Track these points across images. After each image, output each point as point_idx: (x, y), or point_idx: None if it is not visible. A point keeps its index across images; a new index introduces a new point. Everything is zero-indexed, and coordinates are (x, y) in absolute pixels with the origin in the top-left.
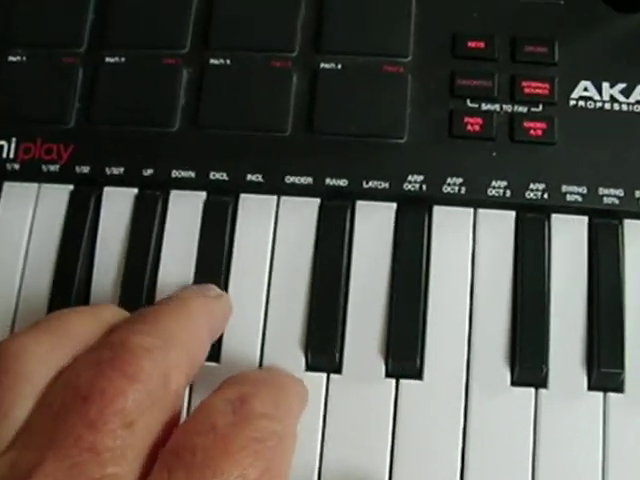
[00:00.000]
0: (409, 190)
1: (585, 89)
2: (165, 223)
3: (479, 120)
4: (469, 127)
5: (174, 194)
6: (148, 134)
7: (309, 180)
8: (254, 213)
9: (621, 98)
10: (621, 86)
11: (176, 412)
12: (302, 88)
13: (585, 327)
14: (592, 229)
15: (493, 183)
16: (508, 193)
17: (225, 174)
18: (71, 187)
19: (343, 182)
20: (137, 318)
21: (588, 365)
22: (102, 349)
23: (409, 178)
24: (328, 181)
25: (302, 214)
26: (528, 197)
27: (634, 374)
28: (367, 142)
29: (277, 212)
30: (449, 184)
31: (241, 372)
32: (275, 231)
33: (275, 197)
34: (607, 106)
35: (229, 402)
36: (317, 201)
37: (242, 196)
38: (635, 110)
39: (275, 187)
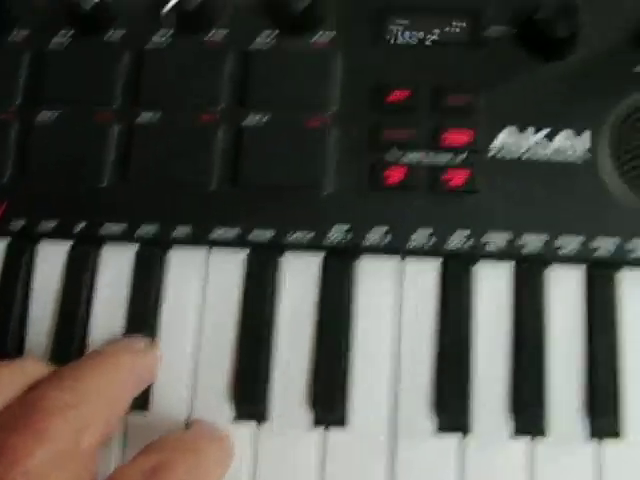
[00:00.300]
0: (334, 240)
1: (508, 136)
2: (97, 275)
3: (402, 170)
4: (392, 177)
5: (106, 247)
6: (80, 189)
7: (236, 232)
8: (183, 265)
9: (544, 144)
10: (543, 133)
11: (90, 470)
12: (228, 142)
13: (509, 372)
14: (517, 275)
15: (416, 232)
16: (432, 242)
17: (154, 228)
18: (6, 241)
19: (269, 234)
20: (57, 374)
21: (513, 409)
22: (18, 406)
23: (334, 229)
24: (255, 233)
25: (230, 266)
26: (451, 245)
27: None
28: (292, 194)
29: (206, 264)
30: (373, 234)
31: (161, 437)
32: (204, 283)
33: (204, 249)
34: (530, 153)
35: (142, 473)
36: (245, 252)
37: (171, 250)
38: (557, 156)
39: (203, 240)
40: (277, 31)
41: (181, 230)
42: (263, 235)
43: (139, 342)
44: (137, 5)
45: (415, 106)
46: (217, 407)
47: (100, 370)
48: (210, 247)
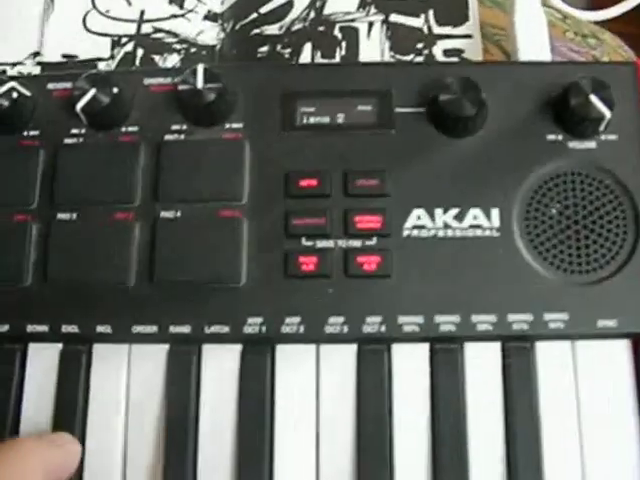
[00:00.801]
0: (249, 333)
1: (418, 217)
2: (25, 375)
3: (313, 259)
4: (304, 266)
5: (32, 347)
6: (1, 290)
7: (154, 329)
8: (107, 362)
9: (454, 224)
10: (453, 212)
11: None
12: (143, 238)
13: (430, 457)
14: (433, 356)
15: (330, 320)
16: (346, 329)
17: (76, 327)
18: None
19: (186, 329)
20: None
21: None
22: None
23: (249, 321)
24: (172, 329)
25: (151, 361)
26: (366, 331)
27: None
28: (207, 288)
29: (129, 360)
30: (288, 324)
31: None
32: (128, 378)
33: (126, 345)
34: (441, 233)
35: None
36: (166, 347)
37: (95, 346)
38: (468, 234)
39: (124, 337)
40: (187, 125)
41: (101, 329)
42: (181, 330)
43: (60, 437)
44: (50, 105)
45: (324, 193)
46: None
47: (8, 457)
48: (131, 344)
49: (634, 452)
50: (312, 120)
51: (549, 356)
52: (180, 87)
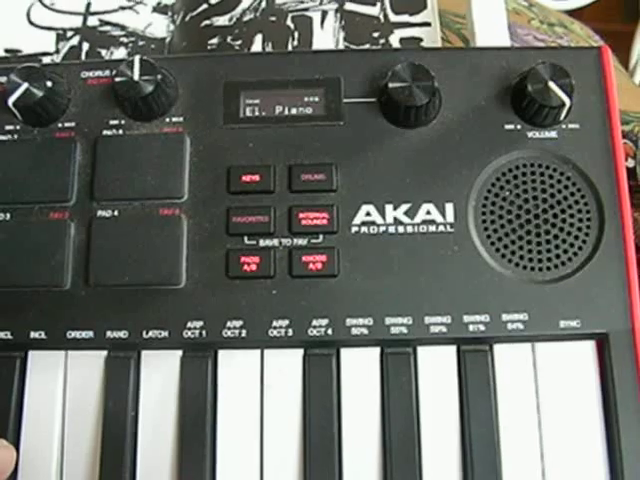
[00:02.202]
0: (189, 337)
1: (367, 214)
2: None
3: (256, 259)
4: (246, 266)
5: None
6: None
7: (90, 334)
8: (42, 368)
9: (405, 220)
10: (405, 207)
11: None
12: (79, 239)
13: (380, 461)
14: (383, 360)
15: (274, 323)
16: (290, 332)
17: (9, 333)
18: None
19: (123, 334)
20: None
21: None
22: None
23: (189, 325)
24: (109, 334)
25: (88, 367)
26: (311, 334)
27: None
28: (145, 291)
29: (65, 366)
30: (229, 328)
31: None
32: (65, 385)
33: (63, 352)
34: (391, 229)
35: None
36: (103, 354)
37: (30, 353)
38: (421, 231)
39: (59, 343)
40: (125, 119)
41: (35, 334)
42: (117, 335)
43: None
44: None
45: (267, 189)
46: None
47: None
48: (66, 350)
49: (600, 460)
50: (256, 112)
51: (508, 359)
52: (117, 79)
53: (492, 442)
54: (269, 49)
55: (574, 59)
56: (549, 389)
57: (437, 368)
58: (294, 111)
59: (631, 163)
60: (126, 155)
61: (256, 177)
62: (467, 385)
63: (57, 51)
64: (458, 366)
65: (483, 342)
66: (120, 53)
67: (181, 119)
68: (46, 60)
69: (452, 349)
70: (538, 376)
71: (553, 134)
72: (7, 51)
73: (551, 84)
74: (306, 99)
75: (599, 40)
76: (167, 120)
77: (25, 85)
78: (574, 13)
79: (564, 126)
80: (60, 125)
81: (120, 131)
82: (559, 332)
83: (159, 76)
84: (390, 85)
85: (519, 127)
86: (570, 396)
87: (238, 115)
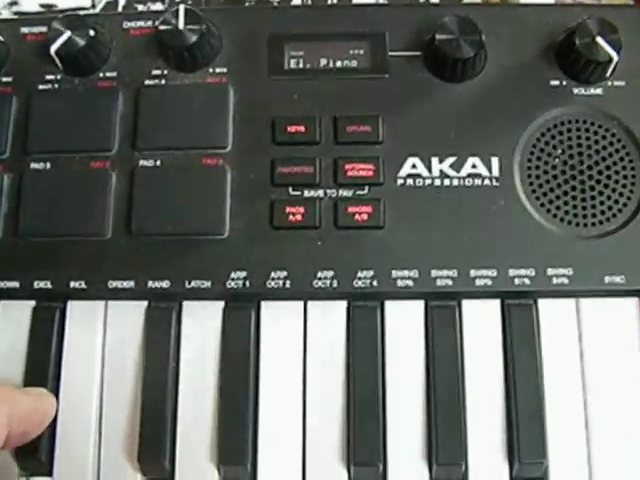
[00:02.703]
0: (232, 288)
1: (413, 166)
2: None
3: (301, 209)
4: (291, 217)
5: (2, 303)
6: None
7: (131, 284)
8: (81, 319)
9: (451, 173)
10: (451, 160)
11: None
12: (121, 189)
13: (424, 417)
14: (428, 314)
15: (319, 274)
16: (335, 284)
17: (49, 282)
18: None
19: (165, 284)
20: None
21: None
22: None
23: (232, 275)
24: (150, 284)
25: (129, 318)
26: (356, 286)
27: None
28: (188, 241)
29: (105, 317)
30: (273, 279)
31: None
32: (104, 336)
33: (103, 302)
34: (437, 182)
35: None
36: (144, 304)
37: (69, 303)
38: (466, 184)
39: (99, 293)
40: (168, 70)
41: (75, 284)
42: (160, 285)
43: (31, 388)
44: (24, 49)
45: (313, 140)
46: (124, 467)
47: None
48: (107, 300)
49: None
50: (301, 64)
51: (553, 314)
52: (161, 27)
53: (537, 396)
54: (308, 1)
55: (621, 17)
56: (592, 344)
57: (482, 322)
58: (339, 64)
59: None
60: (169, 105)
61: (301, 128)
62: (512, 339)
63: (93, 6)
64: (502, 320)
65: (528, 296)
66: (157, 8)
67: (225, 70)
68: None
69: (497, 303)
70: (582, 331)
71: (599, 91)
72: (42, 6)
73: (599, 39)
74: (351, 52)
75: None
76: (211, 71)
77: (68, 33)
78: None
79: (610, 83)
80: (102, 75)
81: (163, 81)
82: (603, 287)
83: (204, 26)
84: (438, 37)
85: (564, 83)
86: (613, 352)
87: (283, 67)
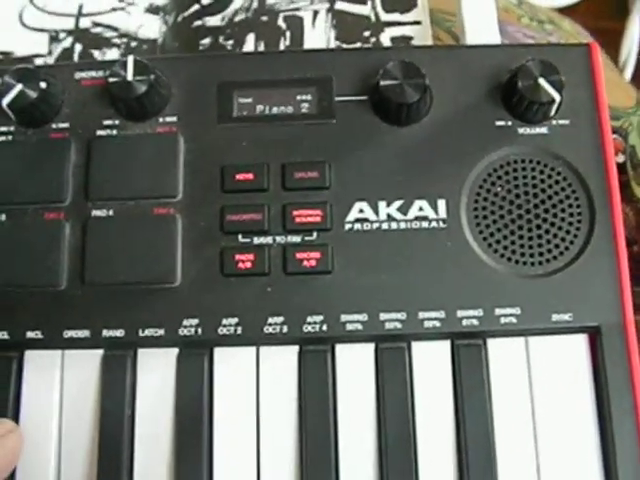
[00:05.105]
0: (185, 335)
1: (361, 211)
2: None
3: (250, 256)
4: (241, 264)
5: None
6: None
7: (86, 334)
8: (38, 368)
9: (398, 216)
10: (398, 203)
11: None
12: (75, 239)
13: (375, 460)
14: (378, 356)
15: (269, 320)
16: (285, 329)
17: (6, 333)
18: None
19: (120, 333)
20: None
21: None
22: None
23: (184, 323)
24: (105, 333)
25: (85, 367)
26: (306, 330)
27: None
28: (140, 290)
29: (62, 366)
30: (224, 325)
31: None
32: (61, 385)
33: (59, 352)
34: (384, 226)
35: None
36: (99, 353)
37: (26, 352)
38: (414, 227)
39: (55, 342)
40: (119, 120)
41: (32, 334)
42: (114, 334)
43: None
44: None
45: (261, 187)
46: None
47: None
48: (63, 349)
49: (593, 452)
50: (249, 111)
51: (502, 353)
52: (110, 80)
53: (487, 436)
54: (261, 49)
55: (563, 56)
56: (542, 382)
57: (431, 363)
58: (286, 110)
59: (621, 158)
60: (120, 155)
61: (250, 175)
62: (461, 379)
63: (50, 53)
64: (452, 361)
65: (477, 336)
66: (113, 54)
67: (175, 119)
68: (39, 62)
69: (446, 344)
70: (531, 370)
71: (544, 130)
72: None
73: (541, 80)
74: (298, 98)
75: (588, 37)
76: (161, 120)
77: (19, 86)
78: (568, 10)
79: (554, 122)
80: (54, 126)
81: (114, 131)
82: (552, 326)
83: (152, 76)
84: (381, 83)
85: (510, 123)
86: (563, 389)
87: (232, 114)
